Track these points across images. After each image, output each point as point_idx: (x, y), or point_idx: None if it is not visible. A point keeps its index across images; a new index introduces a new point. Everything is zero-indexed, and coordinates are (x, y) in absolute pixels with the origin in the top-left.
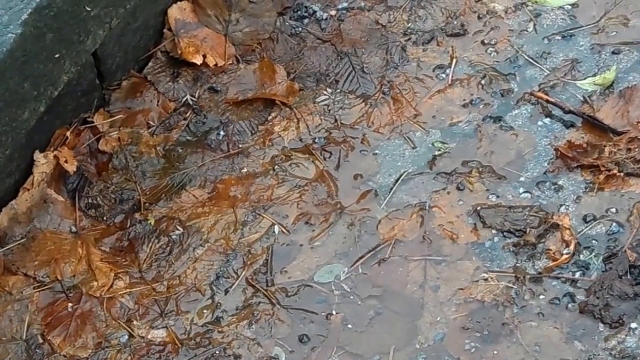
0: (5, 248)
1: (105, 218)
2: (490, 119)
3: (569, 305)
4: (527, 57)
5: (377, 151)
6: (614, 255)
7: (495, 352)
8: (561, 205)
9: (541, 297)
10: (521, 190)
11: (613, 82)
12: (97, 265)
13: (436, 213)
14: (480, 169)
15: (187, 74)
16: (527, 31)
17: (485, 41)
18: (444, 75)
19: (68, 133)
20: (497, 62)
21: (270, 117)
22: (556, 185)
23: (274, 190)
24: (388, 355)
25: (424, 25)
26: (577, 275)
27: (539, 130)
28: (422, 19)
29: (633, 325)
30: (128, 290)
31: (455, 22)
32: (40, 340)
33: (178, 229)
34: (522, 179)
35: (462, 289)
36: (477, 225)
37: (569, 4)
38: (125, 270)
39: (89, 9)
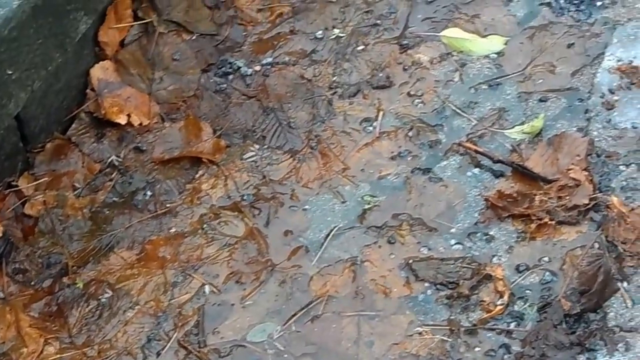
0: None
1: (33, 283)
2: (419, 171)
3: (505, 356)
4: (454, 108)
5: (306, 206)
6: (548, 304)
7: None
8: (493, 256)
9: (477, 349)
10: (453, 241)
11: (541, 130)
12: (27, 331)
13: (368, 267)
14: (411, 222)
15: (111, 134)
16: (453, 81)
17: (412, 92)
18: (371, 128)
19: None
20: (424, 113)
21: (197, 176)
22: (488, 236)
23: (203, 250)
24: None
25: (350, 79)
26: (512, 326)
27: (468, 181)
28: (348, 72)
29: None
30: (59, 355)
31: (381, 74)
32: None
33: (107, 292)
34: (453, 230)
35: (396, 344)
36: (409, 279)
37: (495, 53)
38: (55, 335)
39: (10, 72)
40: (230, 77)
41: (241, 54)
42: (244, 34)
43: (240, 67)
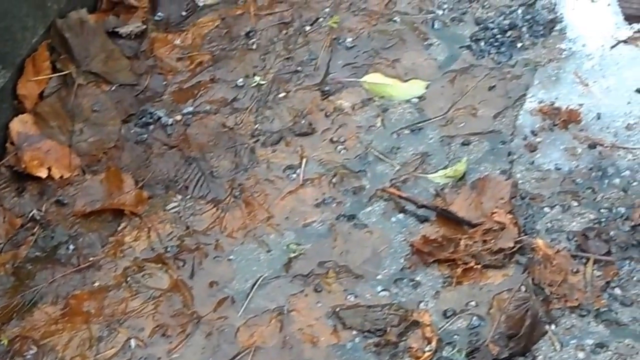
0: None
1: None
2: (344, 218)
3: None
4: (376, 153)
5: (231, 256)
6: (476, 349)
7: None
8: (420, 302)
9: None
10: (379, 288)
11: (465, 174)
12: None
13: (295, 317)
14: (337, 269)
15: (32, 188)
16: (375, 127)
17: (334, 139)
18: (294, 176)
19: None
20: (347, 159)
21: (120, 228)
22: (414, 282)
23: (128, 303)
24: None
25: (272, 126)
26: None
27: (393, 227)
28: (270, 120)
29: None
30: None
31: (303, 121)
32: None
33: (32, 349)
34: (379, 277)
35: None
36: (337, 327)
37: (416, 97)
38: None
39: None
40: (151, 127)
41: (162, 104)
42: (164, 83)
43: (161, 117)
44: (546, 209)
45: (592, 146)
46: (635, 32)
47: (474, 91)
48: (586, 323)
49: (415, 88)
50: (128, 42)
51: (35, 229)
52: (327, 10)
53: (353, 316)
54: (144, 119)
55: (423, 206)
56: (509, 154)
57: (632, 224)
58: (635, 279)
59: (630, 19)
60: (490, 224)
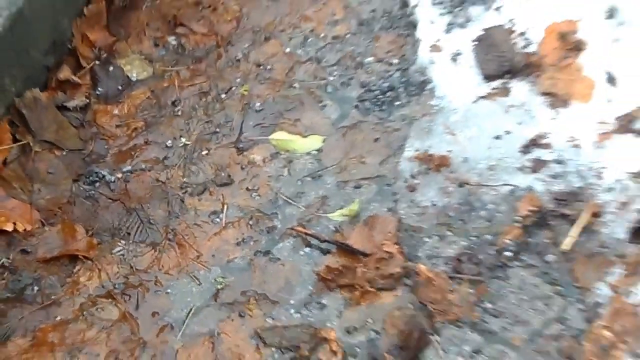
0: None
1: None
2: (261, 253)
3: None
4: (285, 198)
5: (169, 290)
6: (375, 359)
7: None
8: (327, 321)
9: None
10: (292, 311)
11: (358, 213)
12: None
13: (224, 338)
14: (257, 297)
15: (0, 240)
16: (283, 176)
17: (250, 187)
18: (218, 220)
19: None
20: (261, 204)
21: (75, 270)
22: (320, 305)
23: (85, 333)
24: None
25: (197, 179)
26: None
27: (301, 259)
28: (195, 174)
29: None
30: None
31: (223, 174)
32: None
33: None
34: (292, 302)
35: None
36: (259, 346)
37: (315, 150)
38: None
39: None
40: (97, 184)
41: (105, 164)
42: (106, 147)
43: (105, 176)
44: (426, 239)
45: (461, 185)
46: (492, 89)
47: (362, 143)
48: (464, 333)
49: (314, 142)
50: (74, 114)
51: (5, 275)
52: (238, 80)
53: (272, 336)
54: (91, 178)
55: (325, 241)
56: (393, 194)
57: (497, 248)
58: (502, 294)
59: (488, 78)
60: (381, 254)
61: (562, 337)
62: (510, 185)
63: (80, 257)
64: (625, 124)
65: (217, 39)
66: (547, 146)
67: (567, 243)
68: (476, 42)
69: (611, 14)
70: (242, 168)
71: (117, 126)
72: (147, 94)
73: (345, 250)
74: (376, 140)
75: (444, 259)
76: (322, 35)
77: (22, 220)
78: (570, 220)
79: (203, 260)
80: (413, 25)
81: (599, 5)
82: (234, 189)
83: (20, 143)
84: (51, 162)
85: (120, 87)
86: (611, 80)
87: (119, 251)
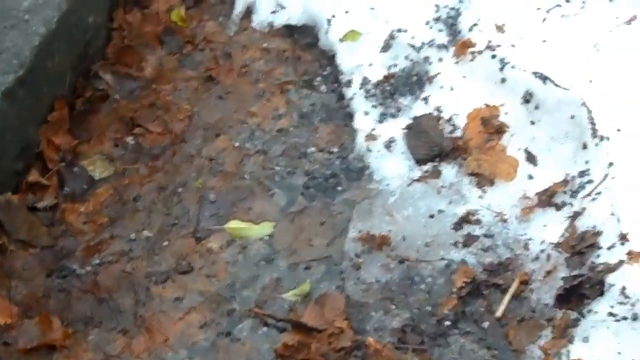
0: None
1: None
2: (222, 335)
3: None
4: (242, 281)
5: None
6: None
7: None
8: None
9: None
10: None
11: (309, 292)
12: None
13: None
14: None
15: None
16: (238, 261)
17: (209, 273)
18: (182, 305)
19: None
20: (220, 288)
21: (54, 358)
22: None
23: None
24: None
25: (161, 268)
26: None
27: (260, 338)
28: (158, 264)
29: None
30: None
31: (184, 262)
32: None
33: None
34: None
35: None
36: None
37: (267, 235)
38: None
39: None
40: (69, 278)
41: (75, 259)
42: (75, 242)
43: (76, 269)
44: (372, 313)
45: (401, 262)
46: (424, 172)
47: (309, 227)
48: None
49: (265, 228)
50: (45, 214)
51: None
52: (193, 174)
53: None
54: (63, 272)
55: (281, 320)
56: (341, 273)
57: (437, 318)
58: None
59: (419, 162)
60: (332, 329)
61: None
62: (446, 259)
63: (57, 346)
64: (545, 199)
65: (172, 137)
66: (477, 222)
67: (500, 310)
68: (407, 130)
69: (527, 98)
70: (201, 256)
71: (84, 223)
72: (110, 192)
73: (300, 327)
74: (322, 223)
75: (390, 331)
76: (268, 129)
77: (2, 314)
78: (502, 289)
79: (170, 343)
80: (350, 117)
81: (516, 90)
82: (195, 275)
83: None
84: (26, 260)
85: (85, 187)
86: (531, 158)
87: (92, 339)
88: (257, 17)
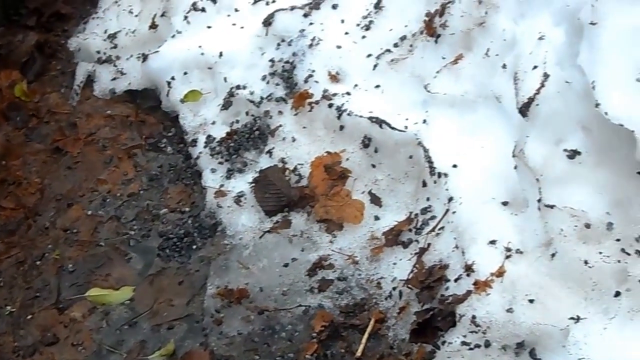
0: None
1: None
2: None
3: None
4: (108, 347)
5: None
6: None
7: None
8: None
9: None
10: None
11: (175, 351)
12: None
13: None
14: None
15: None
16: (102, 327)
17: (74, 342)
18: None
19: None
20: (87, 356)
21: None
22: None
23: None
24: None
25: (27, 342)
26: None
27: None
28: (24, 337)
29: None
30: None
31: (49, 334)
32: None
33: None
34: None
35: None
36: None
37: (128, 300)
38: None
39: None
40: None
41: None
42: None
43: None
44: None
45: (261, 312)
46: (274, 223)
47: (168, 287)
48: None
49: (126, 293)
50: None
51: None
52: (50, 246)
53: None
54: None
55: None
56: (203, 329)
57: None
58: None
59: (269, 213)
60: None
61: None
62: (303, 306)
63: None
64: (392, 238)
65: (25, 211)
66: (330, 267)
67: (359, 350)
68: (254, 184)
69: (366, 143)
70: (65, 326)
71: None
72: None
73: None
74: (180, 283)
75: None
76: (119, 194)
77: None
78: (360, 329)
79: None
80: (198, 175)
81: (355, 136)
82: (61, 346)
83: None
84: None
85: None
86: (375, 200)
87: None
88: (99, 85)
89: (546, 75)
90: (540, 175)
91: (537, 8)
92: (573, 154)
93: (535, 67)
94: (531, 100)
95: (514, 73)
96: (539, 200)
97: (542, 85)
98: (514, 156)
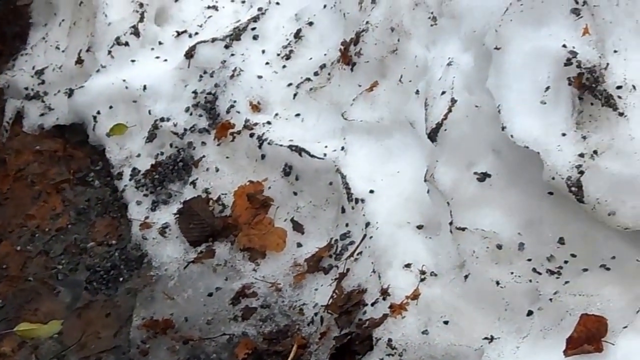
0: None
1: None
2: None
3: None
4: None
5: None
6: None
7: None
8: None
9: None
10: None
11: None
12: None
13: None
14: None
15: None
16: None
17: None
18: None
19: None
20: None
21: None
22: None
23: None
24: None
25: None
26: None
27: None
28: None
29: None
30: None
31: None
32: None
33: None
34: None
35: None
36: None
37: (57, 333)
38: None
39: None
40: None
41: None
42: None
43: None
44: None
45: (186, 342)
46: (199, 253)
47: (96, 320)
48: None
49: (54, 327)
50: None
51: None
52: None
53: None
54: None
55: None
56: None
57: None
58: None
59: (193, 244)
60: None
61: None
62: (227, 334)
63: None
64: (313, 264)
65: None
66: (253, 295)
67: None
68: (178, 215)
69: (287, 171)
70: None
71: None
72: None
73: None
74: (108, 315)
75: None
76: (47, 229)
77: None
78: (283, 355)
79: None
80: (124, 208)
81: (276, 165)
82: None
83: None
84: None
85: None
86: (297, 227)
87: None
88: (28, 121)
89: (453, 101)
90: (450, 198)
91: (448, 34)
92: (483, 177)
93: (443, 92)
94: (439, 125)
95: (425, 99)
96: (451, 223)
97: (450, 111)
98: (425, 180)
